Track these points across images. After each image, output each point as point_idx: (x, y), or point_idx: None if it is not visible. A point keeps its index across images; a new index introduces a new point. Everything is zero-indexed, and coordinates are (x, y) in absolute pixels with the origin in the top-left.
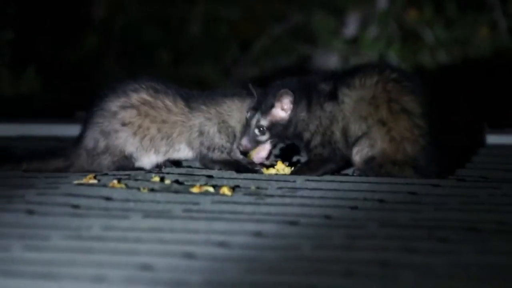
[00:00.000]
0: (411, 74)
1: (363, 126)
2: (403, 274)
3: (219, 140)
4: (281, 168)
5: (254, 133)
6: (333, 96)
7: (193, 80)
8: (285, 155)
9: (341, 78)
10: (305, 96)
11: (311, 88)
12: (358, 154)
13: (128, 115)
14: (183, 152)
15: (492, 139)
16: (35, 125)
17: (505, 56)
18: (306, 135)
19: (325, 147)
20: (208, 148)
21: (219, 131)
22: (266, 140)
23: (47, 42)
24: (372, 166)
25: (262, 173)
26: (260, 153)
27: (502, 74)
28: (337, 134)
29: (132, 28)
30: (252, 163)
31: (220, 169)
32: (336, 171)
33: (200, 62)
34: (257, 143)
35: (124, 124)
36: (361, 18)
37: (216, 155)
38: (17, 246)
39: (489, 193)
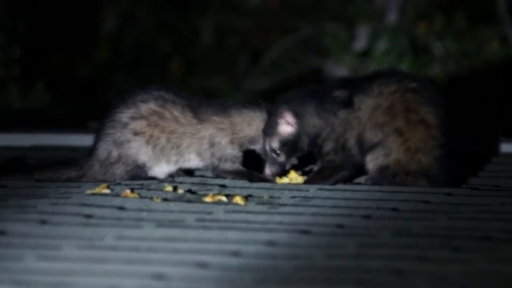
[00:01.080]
0: (430, 83)
1: (378, 135)
2: (416, 283)
3: (232, 150)
4: (294, 177)
5: (272, 157)
6: (348, 103)
7: (204, 91)
8: (299, 164)
9: (359, 84)
10: (312, 104)
11: (323, 95)
12: (372, 162)
13: (138, 125)
14: (194, 162)
15: (506, 147)
16: (48, 135)
17: None
18: (318, 142)
19: (337, 153)
20: (220, 159)
21: (232, 142)
22: (287, 159)
23: (57, 55)
24: (385, 176)
25: (275, 182)
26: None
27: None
28: (351, 141)
29: (143, 39)
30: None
31: (232, 178)
32: (349, 179)
33: (211, 73)
34: (280, 165)
35: (136, 134)
36: (371, 31)
37: (228, 165)
38: (30, 256)
39: (502, 201)
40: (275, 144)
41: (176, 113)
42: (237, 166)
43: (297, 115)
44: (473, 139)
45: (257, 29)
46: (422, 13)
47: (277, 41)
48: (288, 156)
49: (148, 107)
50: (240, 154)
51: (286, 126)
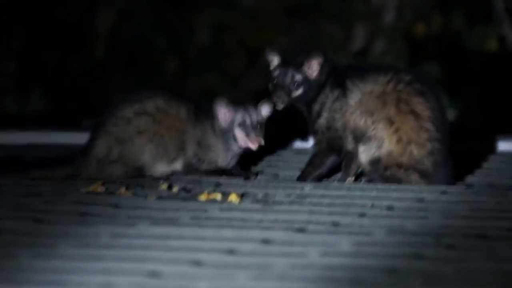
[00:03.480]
0: (426, 78)
1: (368, 121)
2: (411, 281)
3: (213, 153)
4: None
5: (289, 90)
6: (342, 85)
7: (200, 90)
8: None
9: (358, 71)
10: (328, 66)
11: (334, 65)
12: (364, 154)
13: (143, 122)
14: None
15: (502, 146)
16: (43, 133)
17: None
18: (316, 107)
19: (324, 133)
20: (199, 159)
21: (214, 144)
22: (298, 97)
23: (53, 54)
24: (377, 168)
25: (249, 178)
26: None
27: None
28: (339, 123)
29: (139, 37)
30: (236, 168)
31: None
32: (339, 163)
33: (207, 71)
34: (290, 100)
35: (139, 132)
36: (368, 31)
37: (204, 166)
38: (24, 254)
39: (497, 200)
40: (299, 76)
41: (182, 111)
42: (211, 167)
43: (321, 65)
44: (470, 137)
45: (254, 28)
46: (420, 13)
47: (274, 41)
48: (301, 94)
49: (153, 103)
50: (216, 158)
51: (311, 69)
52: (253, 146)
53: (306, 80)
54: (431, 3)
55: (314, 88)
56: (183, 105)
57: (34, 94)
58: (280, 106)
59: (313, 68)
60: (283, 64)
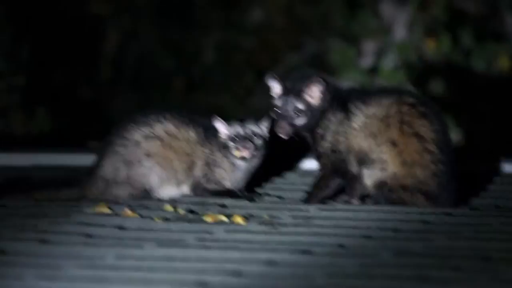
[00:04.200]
0: (430, 101)
1: (372, 143)
2: None
3: (220, 171)
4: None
5: (291, 118)
6: (345, 108)
7: (208, 109)
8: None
9: (360, 94)
10: (329, 90)
11: (336, 90)
12: (370, 178)
13: (152, 145)
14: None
15: (508, 168)
16: (48, 154)
17: None
18: (320, 131)
19: (329, 157)
20: (208, 180)
21: (221, 161)
22: (301, 125)
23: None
24: (383, 191)
25: (255, 201)
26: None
27: None
28: (343, 146)
29: (146, 57)
30: (242, 190)
31: (212, 197)
32: (343, 186)
33: (214, 90)
34: (294, 127)
35: (148, 155)
36: (378, 47)
37: (211, 186)
38: (30, 276)
39: (502, 222)
40: (300, 105)
41: (191, 134)
42: (218, 188)
43: (322, 93)
44: (476, 158)
45: (262, 46)
46: (430, 30)
47: (283, 58)
48: (304, 122)
49: (164, 127)
50: (224, 178)
51: (310, 96)
52: (246, 154)
53: (308, 108)
54: (442, 20)
55: (317, 115)
56: (192, 127)
57: (40, 113)
58: (284, 137)
59: (315, 94)
60: (284, 92)
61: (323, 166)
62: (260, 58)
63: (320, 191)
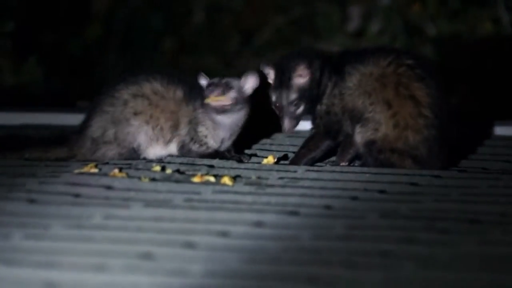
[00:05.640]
0: (430, 63)
1: (366, 102)
2: (403, 264)
3: (203, 129)
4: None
5: (290, 111)
6: (341, 71)
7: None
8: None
9: (357, 54)
10: (319, 60)
11: (326, 57)
12: (360, 135)
13: (140, 104)
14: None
15: (497, 130)
16: (37, 114)
17: (509, 49)
18: (314, 99)
19: (322, 118)
20: (192, 139)
21: (203, 119)
22: (303, 111)
23: (49, 32)
24: (371, 150)
25: (242, 161)
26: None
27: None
28: (337, 108)
29: (135, 17)
30: (230, 151)
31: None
32: (334, 148)
33: (202, 52)
34: (297, 119)
35: (136, 113)
36: (364, 12)
37: (196, 146)
38: (17, 235)
39: (490, 184)
40: (294, 95)
41: (176, 93)
42: (203, 149)
43: (309, 66)
44: (465, 121)
45: (250, 8)
46: None
47: (269, 21)
48: (304, 107)
49: (150, 86)
50: (207, 140)
51: (301, 78)
52: (213, 103)
53: (302, 93)
54: None
55: (314, 89)
56: (179, 86)
57: (30, 61)
58: (292, 130)
59: (303, 74)
60: (276, 84)
61: (315, 126)
62: (247, 21)
63: (309, 152)
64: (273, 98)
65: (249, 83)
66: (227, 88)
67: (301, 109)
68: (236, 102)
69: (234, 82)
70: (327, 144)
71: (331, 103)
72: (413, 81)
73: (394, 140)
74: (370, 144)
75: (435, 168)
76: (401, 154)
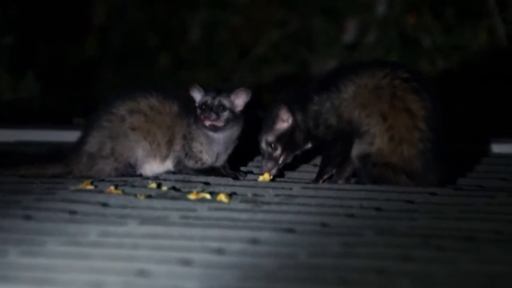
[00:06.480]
0: (424, 77)
1: (362, 114)
2: (399, 282)
3: (197, 145)
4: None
5: (268, 152)
6: (332, 84)
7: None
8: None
9: (353, 67)
10: (304, 100)
11: (310, 91)
12: (356, 149)
13: (137, 119)
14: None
15: (494, 148)
16: (33, 130)
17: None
18: (313, 130)
19: (329, 129)
20: (187, 154)
21: (197, 135)
22: (282, 154)
23: (46, 47)
24: (365, 163)
25: (237, 178)
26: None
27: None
28: (334, 119)
29: (132, 33)
30: (225, 168)
31: (195, 174)
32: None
33: (199, 67)
34: (275, 160)
35: (133, 129)
36: (361, 24)
37: (191, 162)
38: (13, 252)
39: (486, 202)
40: (271, 137)
41: (171, 108)
42: (199, 166)
43: (291, 111)
44: (461, 138)
45: (246, 23)
46: (411, 6)
47: (266, 36)
48: (284, 150)
49: (147, 102)
50: (203, 156)
51: (282, 122)
52: (207, 123)
53: (282, 135)
54: None
55: (299, 126)
56: (175, 101)
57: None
58: (270, 173)
59: (285, 117)
60: (260, 130)
61: (323, 143)
62: (244, 36)
63: (328, 162)
64: (261, 147)
65: (241, 99)
66: (220, 109)
67: (278, 151)
68: (229, 121)
69: (226, 101)
70: (340, 148)
71: (326, 118)
72: (408, 94)
73: (389, 155)
74: (364, 158)
75: (430, 183)
76: (395, 169)
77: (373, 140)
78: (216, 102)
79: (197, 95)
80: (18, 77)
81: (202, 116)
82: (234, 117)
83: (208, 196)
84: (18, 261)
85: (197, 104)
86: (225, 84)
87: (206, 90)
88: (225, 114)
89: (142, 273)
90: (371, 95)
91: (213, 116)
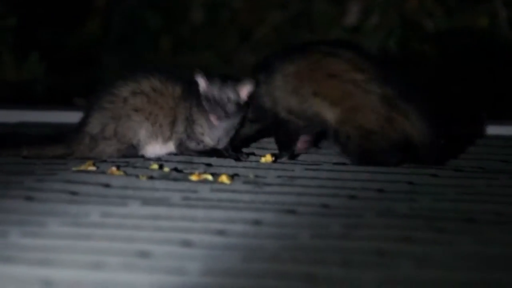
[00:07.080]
0: (346, 43)
1: (300, 101)
2: (400, 263)
3: (199, 128)
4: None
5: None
6: (269, 71)
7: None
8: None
9: (285, 54)
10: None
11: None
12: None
13: (139, 101)
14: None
15: (492, 129)
16: (35, 111)
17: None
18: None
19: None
20: (188, 136)
21: (198, 117)
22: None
23: (48, 28)
24: (343, 144)
25: (240, 160)
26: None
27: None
28: (282, 113)
29: (133, 14)
30: (227, 149)
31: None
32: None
33: (200, 49)
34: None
35: (136, 110)
36: (362, 7)
37: (193, 144)
38: (14, 232)
39: (487, 183)
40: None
41: (174, 90)
42: (201, 147)
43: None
44: (460, 120)
45: (248, 5)
46: None
47: (267, 18)
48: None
49: (149, 83)
50: (204, 138)
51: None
52: (214, 121)
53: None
54: None
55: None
56: (177, 83)
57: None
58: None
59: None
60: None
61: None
62: (245, 18)
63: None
64: None
65: (245, 90)
66: (227, 105)
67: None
68: (234, 113)
69: (233, 94)
70: (290, 138)
71: (275, 109)
72: (323, 62)
73: (354, 123)
74: (336, 138)
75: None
76: (370, 134)
77: (326, 119)
78: (223, 96)
79: (201, 81)
80: (22, 58)
81: (208, 109)
82: (239, 108)
83: (210, 177)
84: (19, 242)
85: (201, 93)
86: (226, 66)
87: (209, 77)
88: (232, 108)
89: (143, 254)
90: (295, 81)
91: (221, 112)
